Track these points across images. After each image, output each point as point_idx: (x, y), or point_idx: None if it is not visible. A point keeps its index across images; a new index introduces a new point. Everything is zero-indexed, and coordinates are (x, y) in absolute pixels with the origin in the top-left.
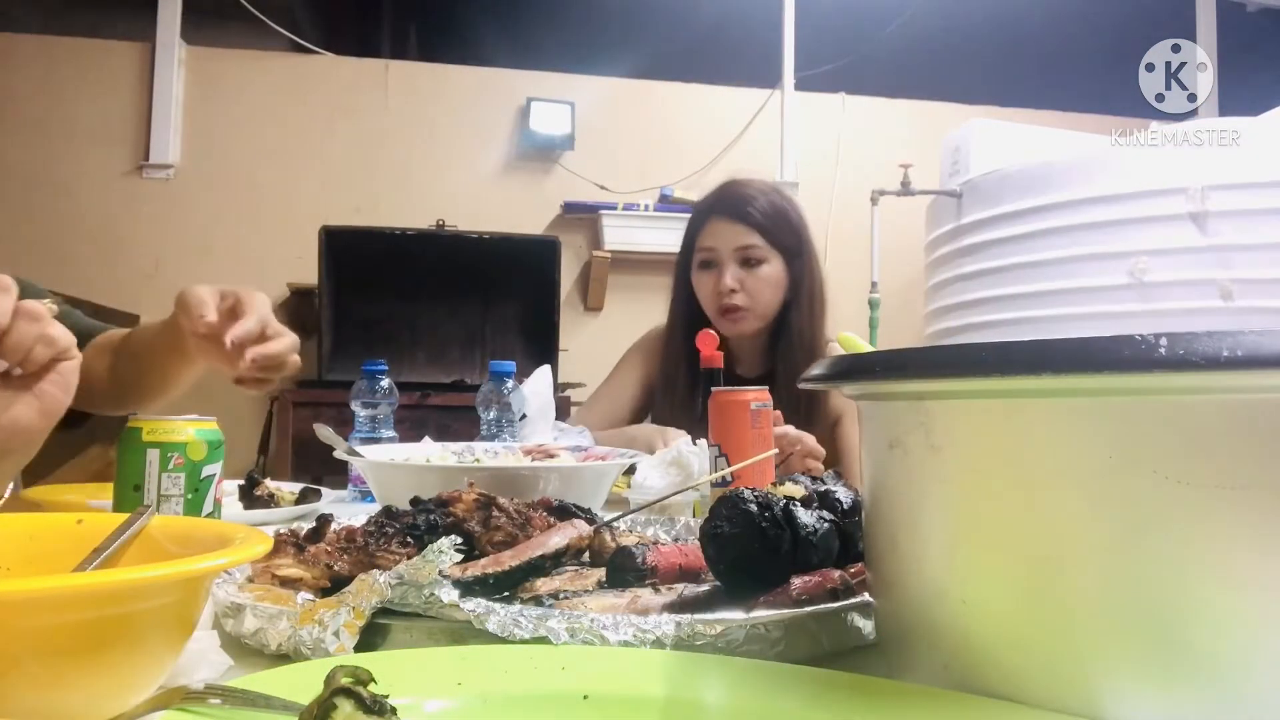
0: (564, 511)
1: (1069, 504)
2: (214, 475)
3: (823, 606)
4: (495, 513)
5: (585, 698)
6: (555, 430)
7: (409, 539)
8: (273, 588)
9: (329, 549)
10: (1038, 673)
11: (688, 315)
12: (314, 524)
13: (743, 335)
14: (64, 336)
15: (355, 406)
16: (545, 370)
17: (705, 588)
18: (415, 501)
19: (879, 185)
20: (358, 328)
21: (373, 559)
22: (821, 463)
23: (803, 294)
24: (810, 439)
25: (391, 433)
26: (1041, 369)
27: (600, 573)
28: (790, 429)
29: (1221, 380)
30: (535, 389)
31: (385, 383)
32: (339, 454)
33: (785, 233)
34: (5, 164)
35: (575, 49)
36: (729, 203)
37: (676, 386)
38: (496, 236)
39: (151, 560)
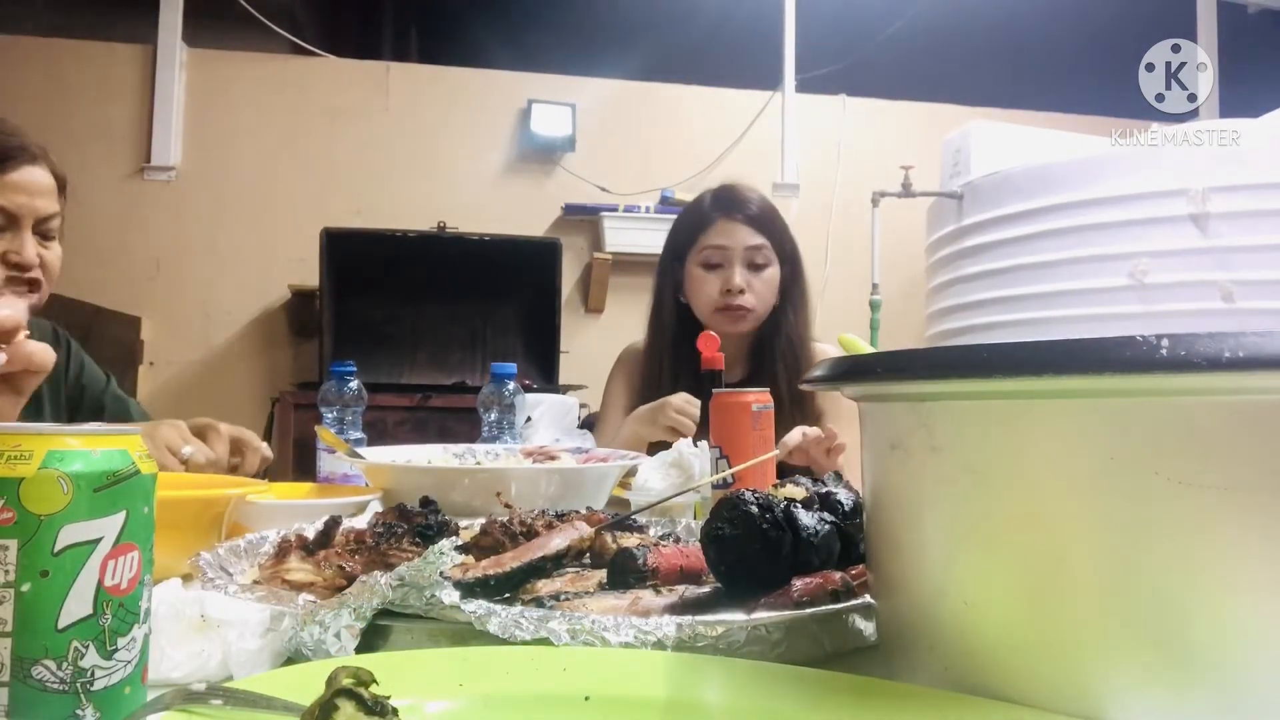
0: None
1: (1070, 505)
2: (94, 546)
3: (824, 608)
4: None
5: (586, 699)
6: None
7: (419, 538)
8: (281, 592)
9: (339, 551)
10: (1039, 674)
11: (677, 312)
12: (321, 527)
13: (738, 335)
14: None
15: (323, 408)
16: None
17: (706, 589)
18: (425, 501)
19: (880, 187)
20: (359, 330)
21: (385, 558)
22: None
23: (795, 296)
24: (814, 432)
25: (359, 434)
26: (1043, 370)
27: (601, 574)
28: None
29: (1222, 381)
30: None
31: (354, 384)
32: (340, 456)
33: (784, 238)
34: None
35: (576, 51)
36: (737, 204)
37: (661, 385)
38: (497, 238)
39: None
